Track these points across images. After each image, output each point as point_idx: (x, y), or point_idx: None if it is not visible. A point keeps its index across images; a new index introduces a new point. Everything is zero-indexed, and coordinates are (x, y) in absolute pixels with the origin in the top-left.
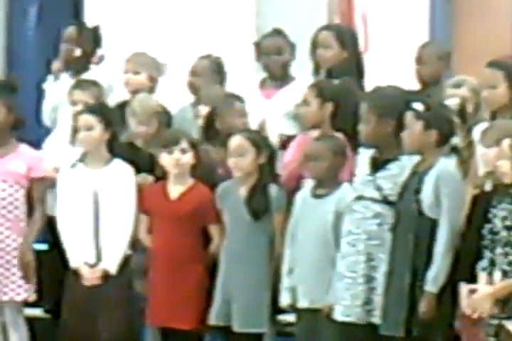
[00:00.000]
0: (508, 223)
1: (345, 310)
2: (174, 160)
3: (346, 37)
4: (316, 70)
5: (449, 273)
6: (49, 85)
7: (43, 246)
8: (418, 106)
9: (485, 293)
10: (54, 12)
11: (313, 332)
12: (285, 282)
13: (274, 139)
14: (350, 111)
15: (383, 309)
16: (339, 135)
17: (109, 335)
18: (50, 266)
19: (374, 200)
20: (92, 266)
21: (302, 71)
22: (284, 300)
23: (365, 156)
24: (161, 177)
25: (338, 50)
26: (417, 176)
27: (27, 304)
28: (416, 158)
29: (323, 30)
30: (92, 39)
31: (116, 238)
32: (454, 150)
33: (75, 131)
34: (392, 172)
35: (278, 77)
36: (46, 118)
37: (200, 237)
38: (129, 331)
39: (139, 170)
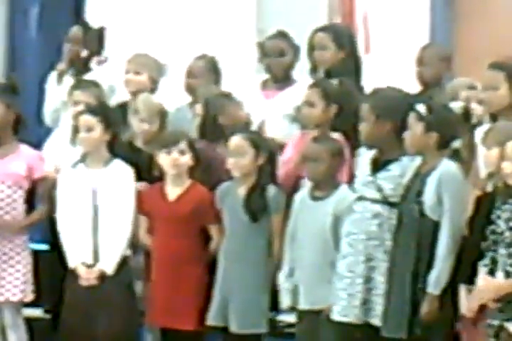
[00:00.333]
0: None
1: (342, 310)
2: (172, 160)
3: (343, 37)
4: (313, 71)
5: (451, 274)
6: (51, 86)
7: (44, 247)
8: (421, 108)
9: (492, 284)
10: (55, 12)
11: (314, 333)
12: (285, 284)
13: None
14: (350, 112)
15: (384, 311)
16: (337, 136)
17: (107, 336)
18: (50, 266)
19: (374, 201)
20: (90, 267)
21: (302, 72)
22: (285, 302)
23: (366, 157)
24: (159, 177)
25: (335, 51)
26: (420, 178)
27: (27, 304)
28: (418, 160)
29: (320, 32)
30: (97, 40)
31: (114, 238)
32: (456, 153)
33: (76, 131)
34: (393, 173)
35: (280, 79)
36: (48, 118)
37: (200, 238)
38: (128, 332)
39: (138, 171)
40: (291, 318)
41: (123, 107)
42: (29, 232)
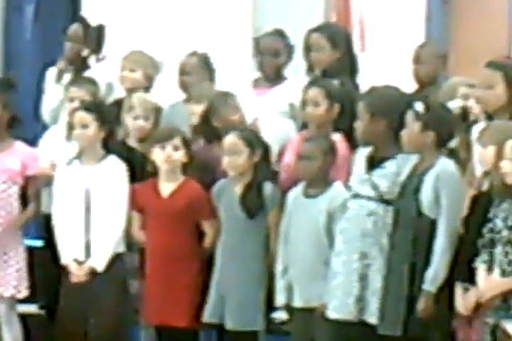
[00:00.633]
0: (510, 223)
1: (337, 307)
2: (166, 156)
3: (338, 37)
4: (311, 71)
5: (448, 272)
6: (50, 84)
7: (38, 243)
8: (418, 106)
9: (493, 282)
10: (51, 10)
11: (309, 331)
12: (280, 282)
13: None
14: (351, 112)
15: (381, 309)
16: (339, 135)
17: (97, 333)
18: (45, 262)
19: (369, 198)
20: (81, 263)
21: (298, 70)
22: (280, 299)
23: (361, 155)
24: (153, 173)
25: (330, 51)
26: (417, 176)
27: (22, 300)
28: (415, 158)
29: (314, 33)
30: (97, 38)
31: (106, 235)
32: (452, 152)
33: (71, 127)
34: (388, 171)
35: (271, 78)
36: (47, 116)
37: (194, 234)
38: (117, 330)
39: (132, 170)
40: (285, 315)
41: (118, 104)
42: (24, 228)
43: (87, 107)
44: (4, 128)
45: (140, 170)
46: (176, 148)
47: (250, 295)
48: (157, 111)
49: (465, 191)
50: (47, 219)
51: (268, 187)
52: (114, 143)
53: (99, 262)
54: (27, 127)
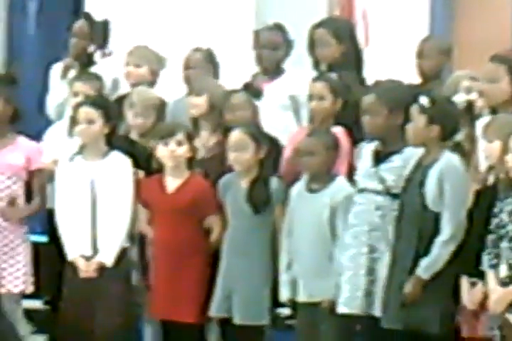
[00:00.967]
0: None
1: (346, 301)
2: (169, 152)
3: (342, 31)
4: (316, 66)
5: (446, 264)
6: (55, 80)
7: (43, 238)
8: (424, 100)
9: (506, 293)
10: (54, 6)
11: (313, 325)
12: (284, 276)
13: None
14: (352, 106)
15: (384, 302)
16: (340, 129)
17: (105, 328)
18: (49, 258)
19: (377, 192)
20: (88, 259)
21: (297, 64)
22: (284, 294)
23: (368, 149)
24: (158, 169)
25: (335, 46)
26: (421, 169)
27: (26, 296)
28: (420, 151)
29: (319, 28)
30: (102, 33)
31: (113, 230)
32: (457, 145)
33: (74, 122)
34: (395, 165)
35: (270, 71)
36: (52, 112)
37: (200, 229)
38: (126, 323)
39: (135, 163)
40: (290, 310)
41: (121, 100)
42: (29, 224)
43: (93, 103)
44: (7, 123)
45: (144, 164)
46: (179, 144)
47: (256, 289)
48: (158, 107)
49: (469, 185)
50: (50, 214)
51: (274, 182)
52: (117, 138)
53: (108, 257)
54: (30, 122)
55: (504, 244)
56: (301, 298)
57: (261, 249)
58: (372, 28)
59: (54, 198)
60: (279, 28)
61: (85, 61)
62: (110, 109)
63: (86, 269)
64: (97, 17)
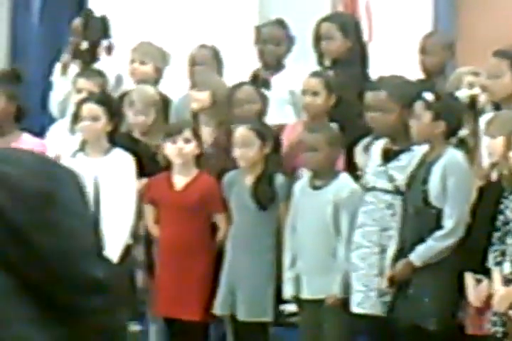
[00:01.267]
0: None
1: (360, 302)
2: (177, 149)
3: (349, 26)
4: (320, 61)
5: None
6: (57, 77)
7: None
8: (429, 96)
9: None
10: (58, 3)
11: (317, 322)
12: (288, 273)
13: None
14: (347, 103)
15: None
16: (335, 125)
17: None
18: None
19: (386, 191)
20: None
21: (303, 60)
22: (288, 291)
23: (377, 147)
24: (166, 167)
25: (341, 40)
26: (425, 166)
27: None
28: (424, 148)
29: (325, 22)
30: (100, 29)
31: (117, 227)
32: (462, 141)
33: (76, 118)
34: (404, 163)
35: (271, 66)
36: (55, 110)
37: (207, 227)
38: (129, 321)
39: (139, 161)
40: (294, 307)
41: (122, 98)
42: None
43: (97, 100)
44: (11, 120)
45: (148, 161)
46: (186, 141)
47: (260, 286)
48: (157, 104)
49: (472, 181)
50: None
51: (279, 179)
52: (120, 135)
53: (113, 254)
54: (34, 120)
55: (509, 241)
56: (305, 294)
57: (265, 245)
58: (375, 24)
59: None
60: (280, 23)
61: (87, 58)
62: (114, 106)
63: None
64: (100, 13)
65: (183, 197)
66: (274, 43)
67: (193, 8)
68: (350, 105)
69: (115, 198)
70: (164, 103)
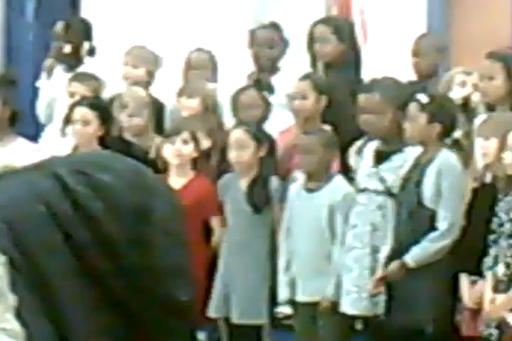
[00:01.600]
0: None
1: (352, 302)
2: (175, 150)
3: (343, 30)
4: (313, 64)
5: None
6: (43, 83)
7: None
8: (423, 98)
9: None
10: (52, 6)
11: (312, 324)
12: (283, 276)
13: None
14: (338, 104)
15: (386, 301)
16: (327, 128)
17: None
18: None
19: (377, 192)
20: None
21: (297, 64)
22: (283, 294)
23: (369, 149)
24: (163, 169)
25: (335, 44)
26: (419, 168)
27: None
28: (418, 150)
29: (320, 25)
30: (81, 32)
31: None
32: (456, 143)
33: (68, 121)
34: (396, 164)
35: (265, 69)
36: (41, 115)
37: (202, 230)
38: None
39: None
40: (289, 309)
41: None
42: None
43: (90, 104)
44: (6, 124)
45: (141, 163)
46: (185, 142)
47: (255, 288)
48: (150, 106)
49: (466, 183)
50: None
51: (274, 182)
52: (112, 139)
53: None
54: (26, 125)
55: (502, 242)
56: (300, 297)
57: (260, 248)
58: (369, 26)
59: None
60: (274, 26)
61: (72, 62)
62: (106, 110)
63: None
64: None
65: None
66: (267, 46)
67: (187, 13)
68: (343, 107)
69: None
70: (155, 105)
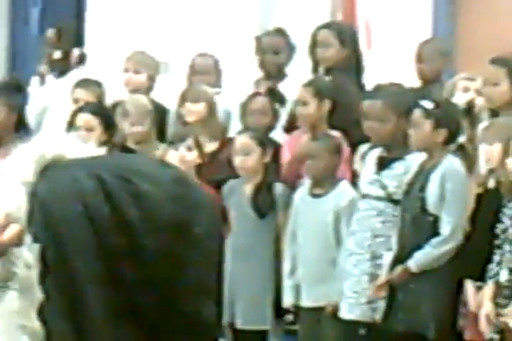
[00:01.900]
0: None
1: (350, 308)
2: (180, 157)
3: (346, 35)
4: (315, 69)
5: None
6: (34, 89)
7: None
8: (427, 104)
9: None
10: (56, 15)
11: (316, 330)
12: (287, 281)
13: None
14: (345, 108)
15: (387, 305)
16: (335, 133)
17: None
18: None
19: (378, 198)
20: None
21: (301, 68)
22: (287, 299)
23: (372, 156)
24: None
25: (338, 48)
26: (423, 174)
27: None
28: (422, 156)
29: (323, 29)
30: (72, 39)
31: None
32: (461, 148)
33: (70, 127)
34: (397, 172)
35: (272, 75)
36: (32, 122)
37: None
38: None
39: None
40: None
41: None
42: None
43: (93, 110)
44: (12, 131)
45: None
46: (189, 149)
47: (259, 294)
48: (152, 113)
49: (470, 188)
50: None
51: (279, 187)
52: (114, 145)
53: None
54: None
55: (506, 248)
56: (305, 302)
57: (264, 253)
58: (374, 32)
59: None
60: (280, 32)
61: (64, 68)
62: (109, 116)
63: None
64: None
65: None
66: (273, 52)
67: (192, 19)
68: (349, 110)
69: None
70: (158, 111)
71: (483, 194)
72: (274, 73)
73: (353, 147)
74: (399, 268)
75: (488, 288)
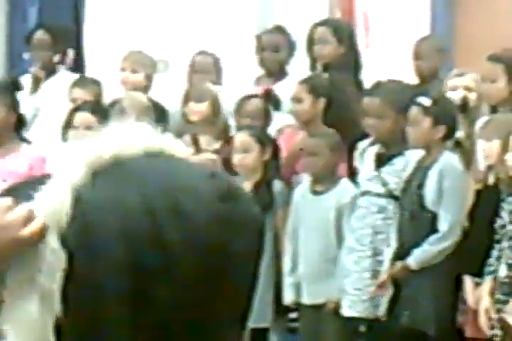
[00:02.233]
0: None
1: (351, 305)
2: None
3: (343, 32)
4: (313, 66)
5: (444, 264)
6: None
7: None
8: (425, 101)
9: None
10: (54, 15)
11: (317, 327)
12: (288, 279)
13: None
14: (341, 105)
15: (388, 302)
16: (332, 130)
17: None
18: None
19: (379, 195)
20: None
21: (301, 66)
22: (288, 297)
23: (370, 152)
24: None
25: (335, 45)
26: (421, 171)
27: None
28: (420, 153)
29: (320, 26)
30: (63, 41)
31: None
32: (458, 144)
33: (68, 126)
34: (397, 167)
35: (273, 73)
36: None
37: None
38: None
39: None
40: (294, 313)
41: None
42: None
43: (91, 108)
44: (11, 130)
45: None
46: (185, 145)
47: (259, 292)
48: (150, 110)
49: (468, 185)
50: None
51: (278, 185)
52: None
53: None
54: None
55: (505, 244)
56: (305, 300)
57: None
58: (373, 30)
59: None
60: (280, 30)
61: (54, 71)
62: (108, 114)
63: None
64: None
65: None
66: (274, 50)
67: (192, 17)
68: (344, 108)
69: None
70: (157, 109)
71: (482, 190)
72: (275, 71)
73: (350, 145)
74: (398, 266)
75: (487, 283)
